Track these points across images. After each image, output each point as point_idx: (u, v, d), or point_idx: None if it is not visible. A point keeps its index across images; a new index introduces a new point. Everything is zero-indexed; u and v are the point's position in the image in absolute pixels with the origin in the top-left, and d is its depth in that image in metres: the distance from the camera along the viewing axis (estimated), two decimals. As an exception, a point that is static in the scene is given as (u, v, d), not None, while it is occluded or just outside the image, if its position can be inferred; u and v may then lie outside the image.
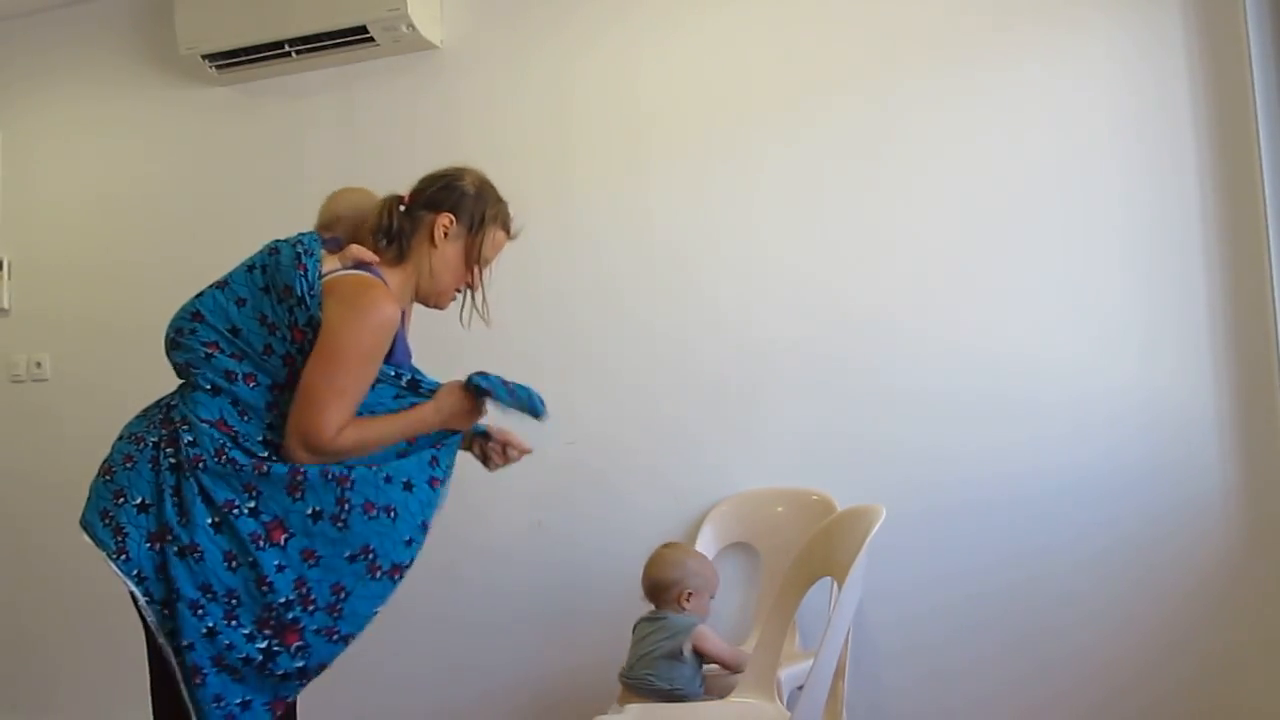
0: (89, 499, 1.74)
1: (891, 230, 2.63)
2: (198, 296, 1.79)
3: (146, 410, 1.83)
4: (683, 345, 2.79)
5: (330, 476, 1.69)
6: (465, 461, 2.94)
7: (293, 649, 1.66)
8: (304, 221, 3.10)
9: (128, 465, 1.72)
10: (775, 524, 2.58)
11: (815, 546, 2.12)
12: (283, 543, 1.66)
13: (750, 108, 2.78)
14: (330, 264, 1.77)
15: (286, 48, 3.08)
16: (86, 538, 1.69)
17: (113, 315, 3.37)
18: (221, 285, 1.79)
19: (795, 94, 2.74)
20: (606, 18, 2.93)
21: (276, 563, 1.65)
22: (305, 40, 3.05)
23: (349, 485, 1.70)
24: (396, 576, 1.75)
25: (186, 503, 1.65)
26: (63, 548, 3.28)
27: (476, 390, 1.82)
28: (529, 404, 1.84)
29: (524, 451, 2.01)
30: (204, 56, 3.15)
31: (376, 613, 1.75)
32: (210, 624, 1.62)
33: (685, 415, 2.77)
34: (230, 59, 3.15)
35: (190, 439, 1.68)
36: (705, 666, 2.29)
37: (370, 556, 1.71)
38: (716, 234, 2.78)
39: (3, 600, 3.45)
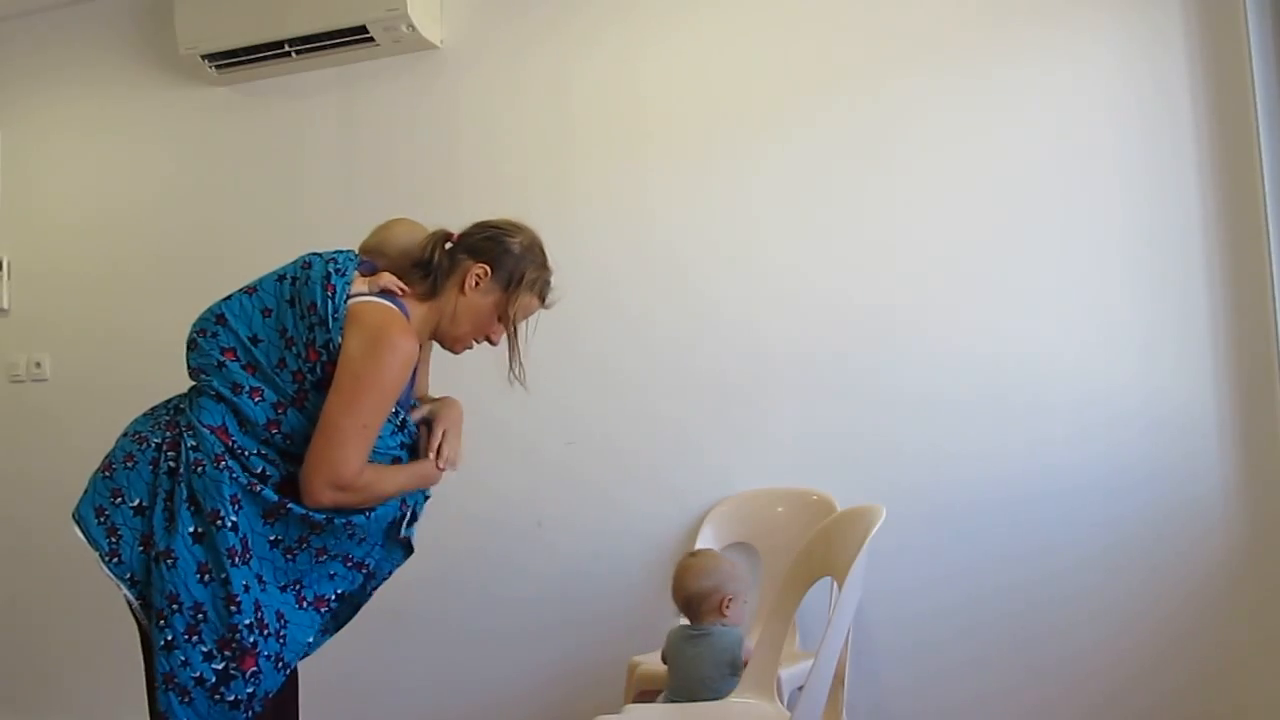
0: (86, 492, 1.73)
1: (891, 230, 2.63)
2: (225, 299, 1.77)
3: (154, 409, 1.82)
4: (683, 345, 2.79)
5: (306, 521, 1.69)
6: (464, 466, 2.94)
7: (247, 674, 1.63)
8: (303, 222, 3.12)
9: (128, 465, 1.71)
10: (775, 524, 2.58)
11: (815, 546, 2.12)
12: (248, 561, 1.65)
13: (750, 108, 2.78)
14: (359, 286, 1.75)
15: (286, 48, 3.08)
16: (78, 532, 1.68)
17: (113, 315, 3.37)
18: (250, 291, 1.77)
19: (795, 94, 2.74)
20: (606, 18, 2.93)
21: (244, 582, 1.63)
22: (305, 40, 3.05)
23: (319, 531, 1.71)
24: (323, 609, 1.76)
25: (175, 508, 1.64)
26: (62, 547, 3.27)
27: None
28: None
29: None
30: (204, 56, 3.15)
31: (311, 643, 1.76)
32: (169, 637, 1.60)
33: (685, 416, 2.77)
34: (230, 59, 3.15)
35: (193, 443, 1.67)
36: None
37: (298, 588, 1.73)
38: (716, 234, 2.78)
39: (2, 599, 3.45)
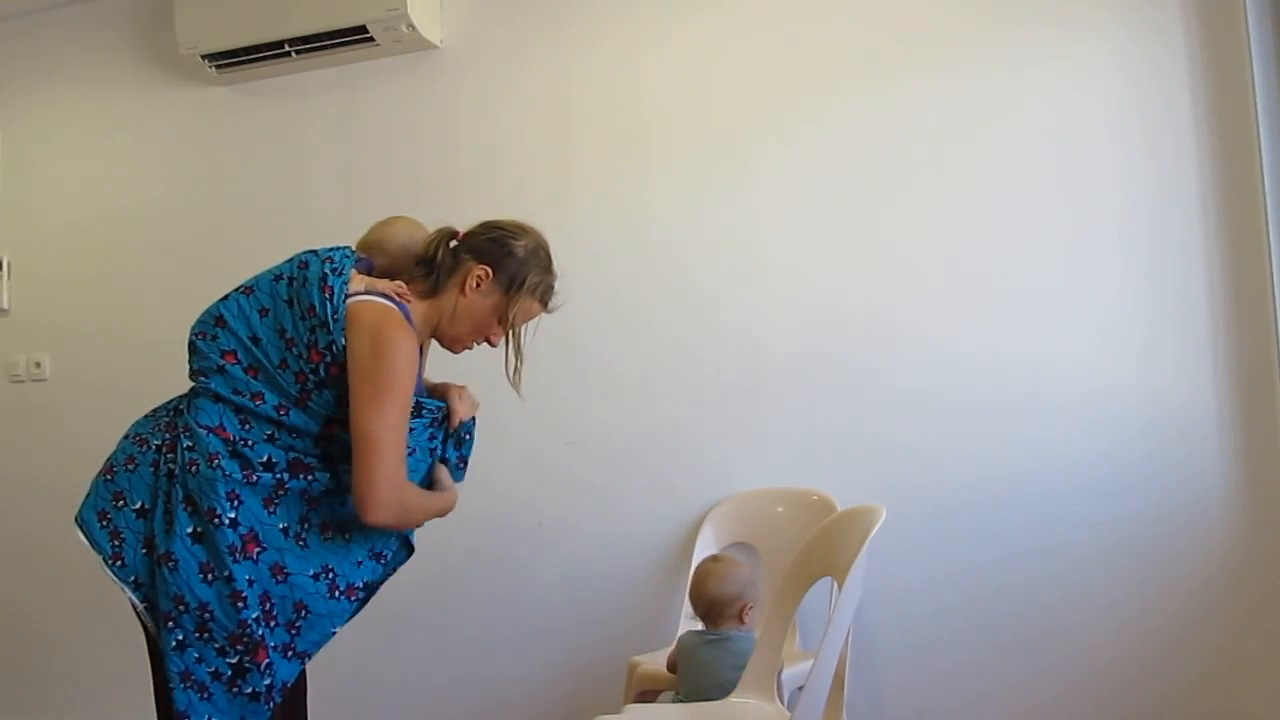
0: (88, 495, 1.73)
1: (891, 230, 2.63)
2: (222, 300, 1.77)
3: (155, 411, 1.81)
4: (683, 345, 2.79)
5: (302, 494, 1.70)
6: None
7: (262, 666, 1.64)
8: (304, 221, 3.12)
9: (130, 467, 1.71)
10: (775, 524, 2.58)
11: (815, 546, 2.12)
12: (255, 556, 1.65)
13: (750, 108, 2.78)
14: (356, 285, 1.75)
15: (286, 48, 3.08)
16: (80, 535, 1.68)
17: (112, 315, 3.37)
18: (246, 291, 1.76)
19: (795, 94, 2.74)
20: (606, 18, 2.93)
21: (248, 577, 1.63)
22: (305, 40, 3.04)
23: (315, 506, 1.72)
24: (353, 598, 1.76)
25: (173, 510, 1.64)
26: (62, 548, 3.26)
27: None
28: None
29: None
30: (204, 56, 3.15)
31: (334, 633, 1.76)
32: (180, 637, 1.61)
33: (685, 416, 2.77)
34: (230, 59, 3.15)
35: (189, 444, 1.67)
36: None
37: (331, 576, 1.72)
38: (716, 234, 2.78)
39: (2, 599, 3.45)
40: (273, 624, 1.66)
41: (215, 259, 3.16)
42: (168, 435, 1.72)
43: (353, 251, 1.83)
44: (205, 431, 1.67)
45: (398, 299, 1.77)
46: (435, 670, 2.96)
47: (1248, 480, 2.36)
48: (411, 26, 2.95)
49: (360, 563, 1.77)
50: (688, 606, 2.39)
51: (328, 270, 1.72)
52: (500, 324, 1.87)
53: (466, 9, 3.08)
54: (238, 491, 1.66)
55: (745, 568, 2.31)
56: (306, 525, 1.71)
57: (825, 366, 2.66)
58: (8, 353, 3.49)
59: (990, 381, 2.53)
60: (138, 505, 1.67)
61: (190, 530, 1.63)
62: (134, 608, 1.66)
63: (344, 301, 1.69)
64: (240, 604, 1.62)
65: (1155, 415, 2.42)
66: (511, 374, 1.90)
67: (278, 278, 1.76)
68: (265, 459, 1.69)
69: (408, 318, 1.75)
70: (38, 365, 3.46)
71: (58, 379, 3.44)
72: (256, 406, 1.69)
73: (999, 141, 2.57)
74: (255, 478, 1.67)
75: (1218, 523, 2.37)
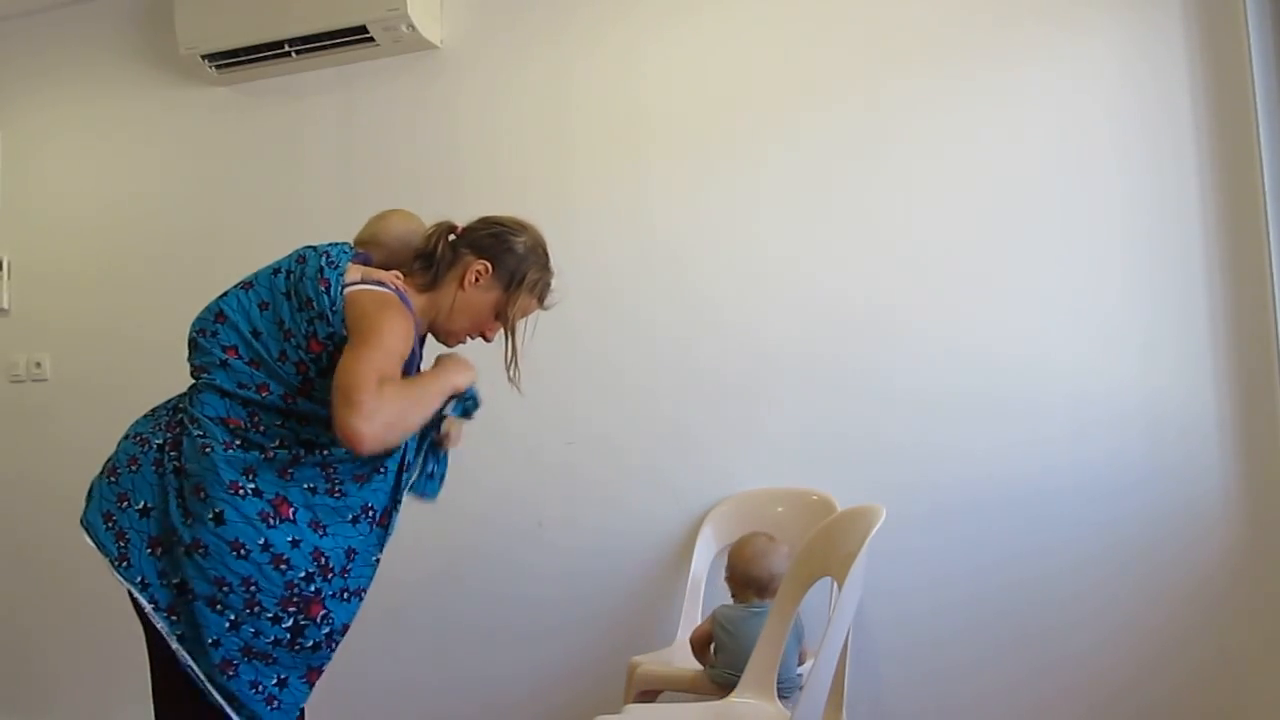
0: (91, 498, 1.73)
1: (891, 230, 2.63)
2: (222, 296, 1.77)
3: (154, 410, 1.82)
4: (683, 345, 2.79)
5: (320, 465, 1.70)
6: (463, 466, 2.94)
7: (318, 619, 1.67)
8: (304, 221, 3.12)
9: (132, 468, 1.71)
10: (775, 524, 2.57)
11: (815, 546, 2.12)
12: (292, 516, 1.66)
13: (750, 108, 2.78)
14: (353, 275, 1.75)
15: (286, 48, 3.08)
16: (87, 538, 1.69)
17: (112, 315, 3.37)
18: (246, 286, 1.77)
19: (795, 94, 2.74)
20: (606, 18, 2.93)
21: (290, 538, 1.64)
22: (305, 40, 3.05)
23: (333, 470, 1.72)
24: (386, 523, 1.77)
25: (187, 500, 1.65)
26: (62, 548, 3.28)
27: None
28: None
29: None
30: (204, 56, 3.15)
31: (378, 561, 1.77)
32: (232, 617, 1.62)
33: (685, 416, 2.77)
34: (230, 59, 3.15)
35: (199, 433, 1.67)
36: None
37: (371, 512, 1.74)
38: (716, 234, 2.78)
39: (2, 599, 3.45)
40: (330, 575, 1.68)
41: (215, 259, 3.16)
42: (169, 434, 1.72)
43: (351, 247, 1.84)
44: (213, 422, 1.68)
45: (396, 287, 1.78)
46: (435, 670, 2.96)
47: (1248, 480, 2.36)
48: (411, 26, 2.95)
49: (377, 490, 1.77)
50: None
51: (324, 264, 1.73)
52: (497, 320, 1.88)
53: (466, 9, 3.08)
54: (253, 466, 1.66)
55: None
56: (336, 480, 1.71)
57: (825, 366, 2.66)
58: (8, 353, 3.49)
59: (990, 381, 2.53)
60: (141, 505, 1.67)
61: (211, 515, 1.62)
62: (140, 609, 1.66)
63: (341, 293, 1.70)
64: (283, 567, 1.63)
65: (1155, 415, 2.42)
66: (512, 373, 1.90)
67: (276, 271, 1.77)
68: (278, 441, 1.70)
69: (407, 305, 1.76)
70: (38, 365, 3.46)
71: (58, 379, 3.44)
72: (263, 398, 1.70)
73: (999, 141, 2.57)
74: (272, 454, 1.68)
75: (1218, 523, 2.37)
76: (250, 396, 1.70)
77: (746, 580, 2.32)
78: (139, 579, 1.64)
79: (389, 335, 1.64)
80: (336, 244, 1.81)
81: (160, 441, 1.72)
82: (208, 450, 1.65)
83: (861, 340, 2.63)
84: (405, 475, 1.82)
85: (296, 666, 1.68)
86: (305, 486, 1.69)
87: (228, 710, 1.64)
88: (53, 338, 3.45)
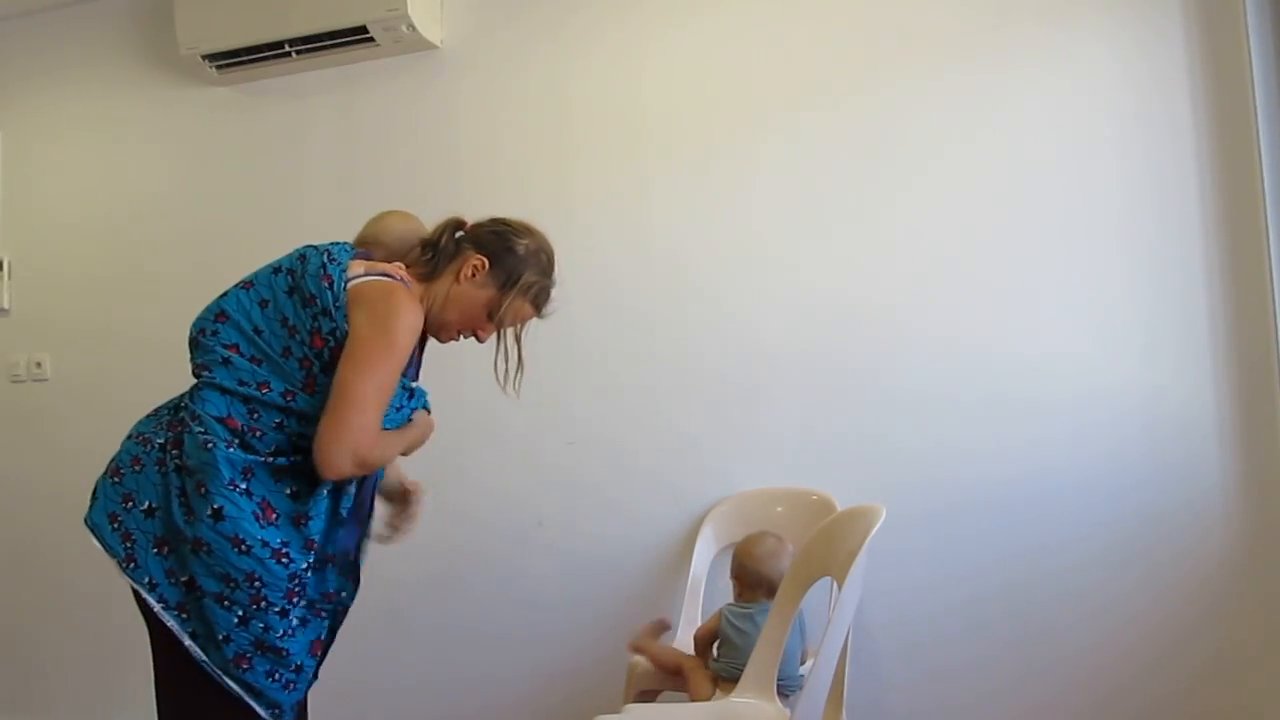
0: (96, 498, 1.73)
1: (891, 230, 2.63)
2: (222, 296, 1.78)
3: (157, 410, 1.82)
4: (683, 345, 2.79)
5: (309, 466, 1.70)
6: (462, 467, 2.95)
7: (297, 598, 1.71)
8: (304, 221, 3.12)
9: (135, 468, 1.72)
10: (775, 524, 2.57)
11: (815, 546, 2.12)
12: (276, 521, 1.67)
13: (750, 108, 2.78)
14: (355, 269, 1.76)
15: (286, 48, 3.08)
16: (93, 540, 1.69)
17: (113, 315, 3.37)
18: (246, 285, 1.78)
19: (795, 94, 2.74)
20: (606, 18, 2.93)
21: (281, 539, 1.66)
22: (305, 40, 3.05)
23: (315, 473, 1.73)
24: (339, 492, 1.79)
25: (189, 498, 1.65)
26: (62, 548, 3.29)
27: None
28: None
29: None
30: (204, 56, 3.15)
31: (342, 522, 1.79)
32: (240, 613, 1.63)
33: (685, 416, 2.77)
34: (230, 59, 3.15)
35: (200, 429, 1.68)
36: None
37: (337, 495, 1.76)
38: (716, 234, 2.78)
39: (1, 600, 3.45)
40: (312, 553, 1.71)
41: (215, 259, 3.16)
42: (171, 433, 1.72)
43: (351, 246, 1.85)
44: (215, 420, 1.68)
45: (400, 277, 1.79)
46: (435, 670, 2.96)
47: (1248, 480, 2.36)
48: (411, 26, 2.95)
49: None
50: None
51: (326, 261, 1.74)
52: (490, 320, 1.87)
53: (466, 9, 3.08)
54: (251, 467, 1.67)
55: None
56: (313, 484, 1.73)
57: (825, 366, 2.66)
58: (8, 353, 3.49)
59: (990, 381, 2.53)
60: (145, 505, 1.68)
61: (209, 512, 1.63)
62: (146, 608, 1.66)
63: (344, 288, 1.71)
64: (285, 560, 1.65)
65: (1155, 415, 2.42)
66: (507, 377, 1.90)
67: (276, 270, 1.77)
68: (274, 448, 1.70)
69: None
70: (38, 365, 3.46)
71: (58, 379, 3.44)
72: (263, 395, 1.70)
73: (999, 141, 2.57)
74: (269, 460, 1.69)
75: (1218, 522, 2.37)
76: (251, 394, 1.70)
77: (758, 580, 2.32)
78: (146, 579, 1.64)
79: (397, 339, 1.66)
80: (337, 243, 1.82)
81: (162, 441, 1.72)
82: (210, 446, 1.65)
83: (861, 340, 2.63)
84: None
85: (300, 646, 1.71)
86: (288, 492, 1.70)
87: (248, 700, 1.66)
88: (53, 338, 3.45)
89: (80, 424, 3.32)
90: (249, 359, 1.71)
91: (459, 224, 1.90)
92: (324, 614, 1.76)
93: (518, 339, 1.92)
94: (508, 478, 2.91)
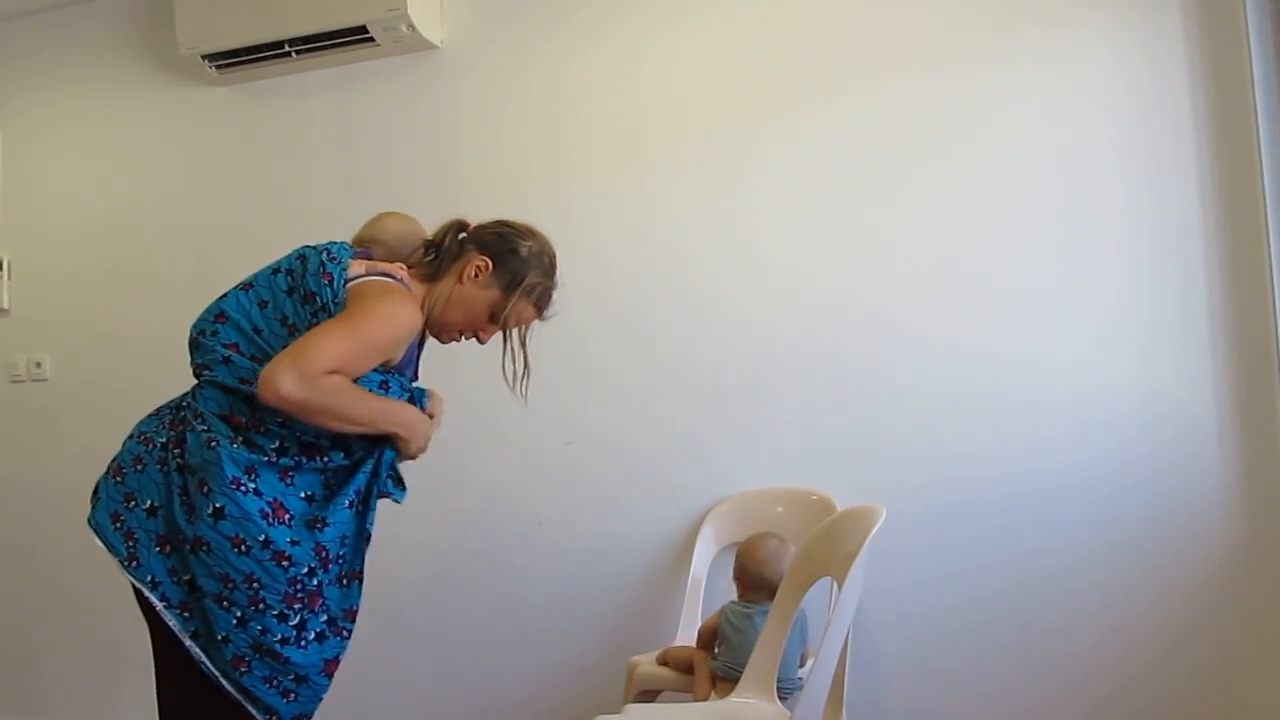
0: (99, 498, 1.73)
1: (891, 230, 2.63)
2: (222, 297, 1.78)
3: (158, 409, 1.82)
4: (683, 345, 2.79)
5: (319, 472, 1.70)
6: (463, 466, 2.95)
7: (317, 609, 1.68)
8: (304, 222, 3.12)
9: (138, 467, 1.72)
10: (775, 524, 2.57)
11: (815, 546, 2.12)
12: (288, 521, 1.66)
13: (750, 107, 2.78)
14: (356, 268, 1.75)
15: (286, 48, 3.08)
16: (96, 539, 1.69)
17: (113, 315, 3.37)
18: (245, 287, 1.78)
19: (795, 93, 2.74)
20: (606, 18, 2.93)
21: (289, 538, 1.65)
22: (305, 40, 3.05)
23: (330, 475, 1.72)
24: (370, 504, 1.77)
25: (191, 498, 1.65)
26: (62, 547, 3.29)
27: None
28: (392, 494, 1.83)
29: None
30: (204, 56, 3.15)
31: (367, 541, 1.77)
32: (239, 614, 1.62)
33: (685, 415, 2.77)
34: (230, 59, 3.15)
35: (204, 427, 1.67)
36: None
37: (360, 494, 1.74)
38: (716, 234, 2.78)
39: (1, 600, 3.45)
40: (329, 565, 1.69)
41: (215, 259, 3.16)
42: (173, 432, 1.72)
43: (350, 245, 1.85)
44: (217, 418, 1.68)
45: (399, 277, 1.78)
46: (435, 670, 2.96)
47: (1247, 480, 2.36)
48: (411, 26, 2.95)
49: (365, 475, 1.77)
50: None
51: (325, 259, 1.74)
52: (493, 322, 1.87)
53: (466, 9, 3.08)
54: (255, 467, 1.66)
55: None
56: (330, 486, 1.72)
57: (825, 366, 2.66)
58: (8, 353, 3.50)
59: (990, 381, 2.53)
60: (148, 504, 1.68)
61: (210, 510, 1.62)
62: (148, 607, 1.66)
63: (344, 286, 1.71)
64: (285, 563, 1.63)
65: (1155, 415, 2.42)
66: (514, 380, 1.89)
67: (276, 271, 1.77)
68: (277, 444, 1.69)
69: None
70: (38, 365, 3.46)
71: (58, 379, 3.44)
72: None
73: (999, 141, 2.57)
74: (273, 459, 1.68)
75: (1217, 523, 2.37)
76: (253, 392, 1.70)
77: (759, 582, 2.32)
78: (149, 578, 1.64)
79: (375, 321, 1.65)
80: (336, 243, 1.82)
81: (164, 440, 1.72)
82: (213, 444, 1.65)
83: (861, 340, 2.63)
84: (387, 454, 1.79)
85: (311, 661, 1.69)
86: (303, 495, 1.70)
87: (246, 705, 1.65)
88: (53, 338, 3.45)
89: (80, 424, 3.32)
90: (249, 358, 1.71)
91: (462, 225, 1.90)
92: (345, 634, 1.74)
93: (523, 341, 1.91)
94: (508, 478, 2.91)
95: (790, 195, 2.72)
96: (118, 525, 1.67)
